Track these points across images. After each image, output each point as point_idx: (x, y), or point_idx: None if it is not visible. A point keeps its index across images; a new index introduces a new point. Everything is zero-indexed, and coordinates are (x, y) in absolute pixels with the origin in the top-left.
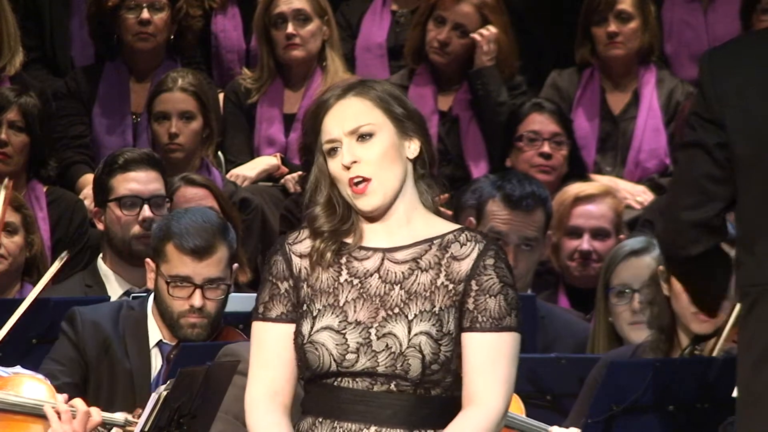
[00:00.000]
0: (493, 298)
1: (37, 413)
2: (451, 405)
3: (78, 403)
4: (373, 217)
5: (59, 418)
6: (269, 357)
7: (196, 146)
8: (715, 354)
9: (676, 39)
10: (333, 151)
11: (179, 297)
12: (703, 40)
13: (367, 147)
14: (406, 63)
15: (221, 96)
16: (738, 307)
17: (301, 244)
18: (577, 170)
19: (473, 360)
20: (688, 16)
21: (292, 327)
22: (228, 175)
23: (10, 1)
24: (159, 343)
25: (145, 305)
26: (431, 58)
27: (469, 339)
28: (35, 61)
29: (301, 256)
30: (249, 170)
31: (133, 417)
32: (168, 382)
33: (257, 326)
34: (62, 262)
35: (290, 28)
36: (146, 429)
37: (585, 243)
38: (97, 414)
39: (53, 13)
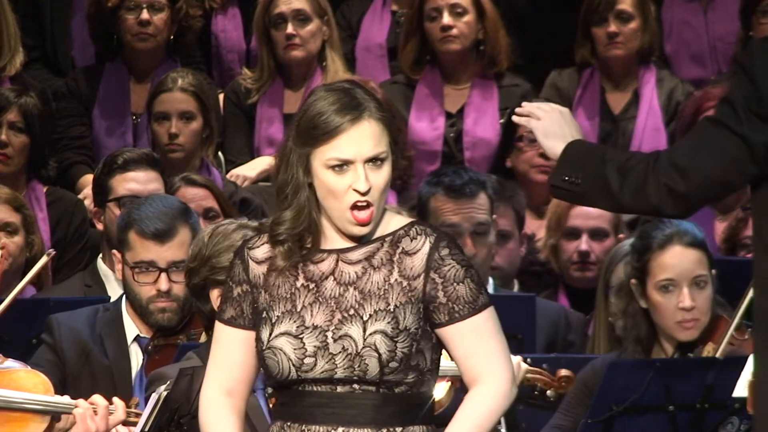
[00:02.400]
0: (461, 284)
1: (42, 411)
2: (417, 400)
3: (98, 399)
4: None
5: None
6: (223, 358)
7: (196, 146)
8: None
9: (676, 39)
10: (340, 168)
11: (145, 282)
12: (703, 40)
13: (378, 174)
14: (403, 70)
15: (221, 96)
16: (741, 310)
17: (259, 249)
18: None
19: (462, 348)
20: (688, 16)
21: (241, 332)
22: (228, 175)
23: (10, 1)
24: (137, 338)
25: (120, 304)
26: (444, 50)
27: (451, 331)
28: (35, 60)
29: (258, 262)
30: (249, 170)
31: (131, 406)
32: (168, 382)
33: (216, 325)
34: (49, 257)
35: (290, 29)
36: (146, 429)
37: (583, 243)
38: (122, 411)
39: (54, 13)
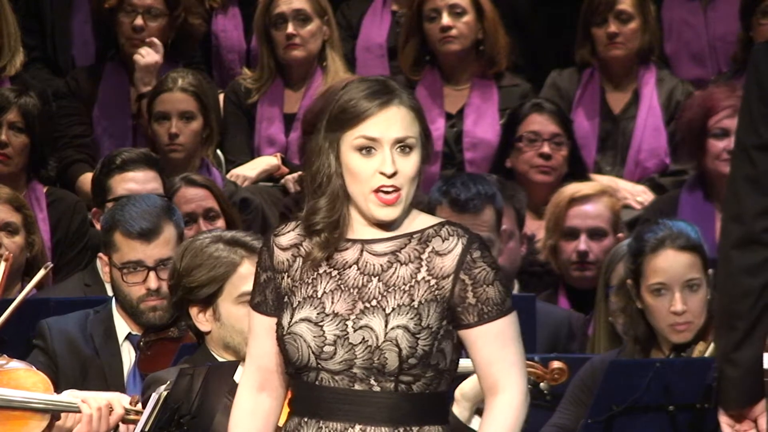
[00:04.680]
0: (491, 286)
1: (42, 410)
2: (435, 401)
3: (100, 400)
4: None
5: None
6: (254, 348)
7: (196, 146)
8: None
9: (676, 39)
10: (367, 151)
11: (134, 282)
12: (703, 40)
13: (406, 160)
14: (403, 71)
15: (221, 96)
16: None
17: (285, 236)
18: (578, 170)
19: (486, 352)
20: (688, 16)
21: (266, 319)
22: (228, 175)
23: (11, 1)
24: (128, 336)
25: (110, 304)
26: (443, 50)
27: (477, 332)
28: (35, 60)
29: (283, 248)
30: (249, 170)
31: (131, 404)
32: (168, 382)
33: (250, 312)
34: (47, 270)
35: (290, 28)
36: (146, 429)
37: (582, 243)
38: (119, 406)
39: (54, 13)
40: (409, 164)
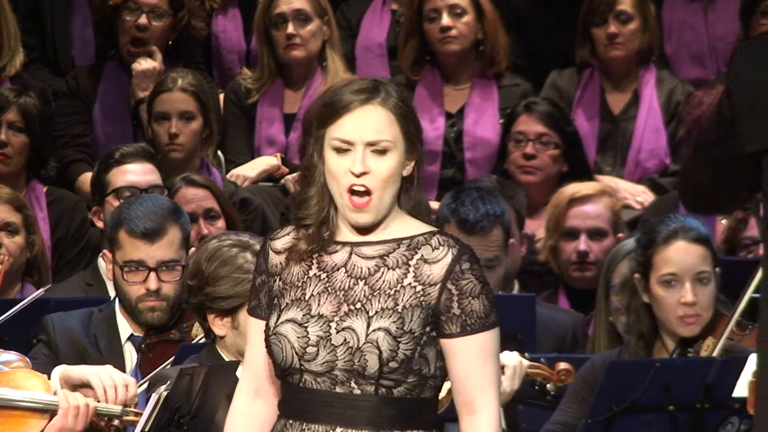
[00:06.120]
0: (476, 299)
1: (42, 410)
2: (417, 406)
3: (89, 399)
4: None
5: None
6: (251, 353)
7: (196, 146)
8: (715, 354)
9: (676, 39)
10: (342, 151)
11: (134, 282)
12: (703, 40)
13: (379, 161)
14: (403, 71)
15: (221, 96)
16: (741, 306)
17: (281, 240)
18: (580, 170)
19: (464, 364)
20: (688, 16)
21: (262, 323)
22: (228, 175)
23: (10, 1)
24: (131, 337)
25: (113, 304)
26: (443, 51)
27: (459, 344)
28: (35, 60)
29: (278, 252)
30: (249, 170)
31: (129, 405)
32: (168, 382)
33: (247, 317)
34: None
35: (290, 29)
36: (146, 429)
37: (582, 244)
38: (91, 401)
39: (54, 13)
40: (382, 165)
